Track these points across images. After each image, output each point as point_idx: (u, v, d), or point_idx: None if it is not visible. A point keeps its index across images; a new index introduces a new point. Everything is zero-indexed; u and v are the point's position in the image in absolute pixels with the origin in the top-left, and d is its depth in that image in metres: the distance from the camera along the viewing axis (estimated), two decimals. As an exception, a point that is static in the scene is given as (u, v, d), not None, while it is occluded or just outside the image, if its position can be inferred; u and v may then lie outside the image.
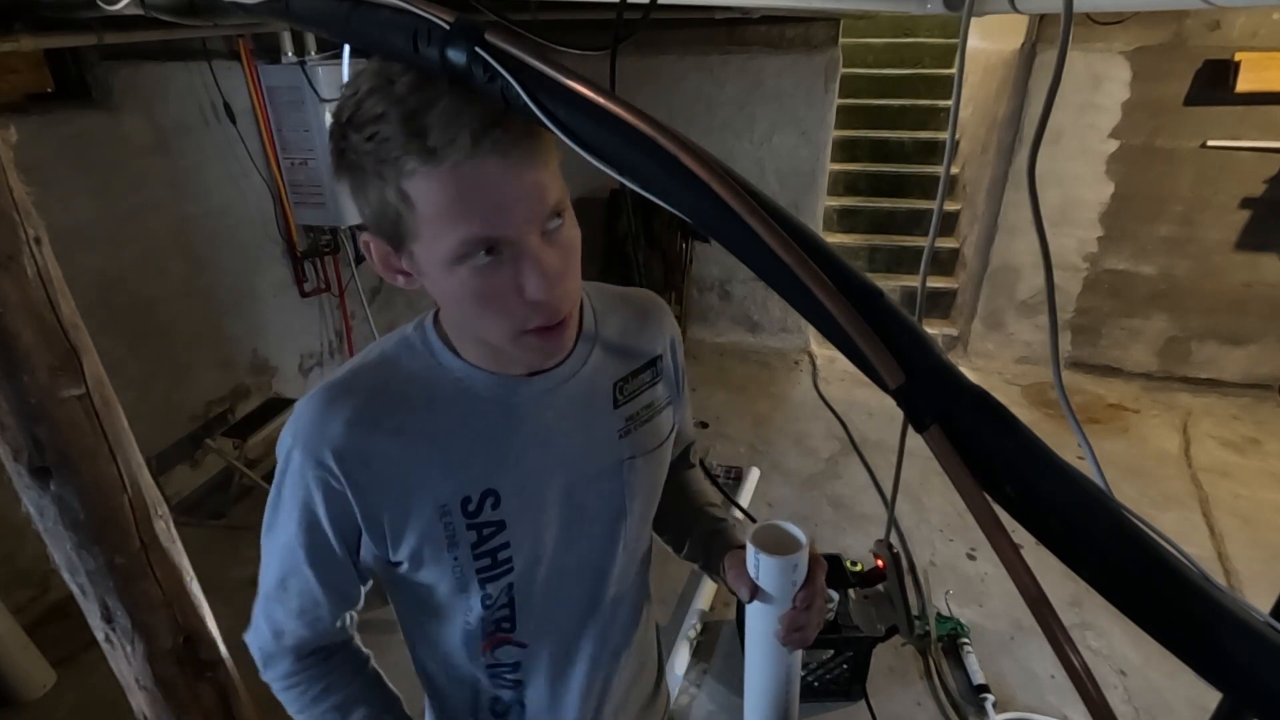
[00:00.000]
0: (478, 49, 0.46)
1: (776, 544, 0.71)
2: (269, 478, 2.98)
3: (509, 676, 0.76)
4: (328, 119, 2.92)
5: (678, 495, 0.89)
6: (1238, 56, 3.22)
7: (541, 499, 0.69)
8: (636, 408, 0.75)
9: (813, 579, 0.73)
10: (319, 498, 0.64)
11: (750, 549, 0.71)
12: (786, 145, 4.09)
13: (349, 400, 0.64)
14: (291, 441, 0.65)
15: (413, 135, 0.51)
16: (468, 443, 0.66)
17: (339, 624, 0.74)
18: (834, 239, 4.56)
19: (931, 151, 4.63)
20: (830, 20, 3.78)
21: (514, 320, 0.58)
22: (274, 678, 0.75)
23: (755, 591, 0.73)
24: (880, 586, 2.03)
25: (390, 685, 0.81)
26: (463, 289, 0.57)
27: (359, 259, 3.54)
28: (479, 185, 0.52)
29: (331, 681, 0.75)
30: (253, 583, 0.69)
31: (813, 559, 0.73)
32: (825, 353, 4.35)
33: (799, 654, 0.80)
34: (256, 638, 0.74)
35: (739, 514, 2.64)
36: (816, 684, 2.06)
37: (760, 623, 0.75)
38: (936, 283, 4.42)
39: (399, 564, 0.68)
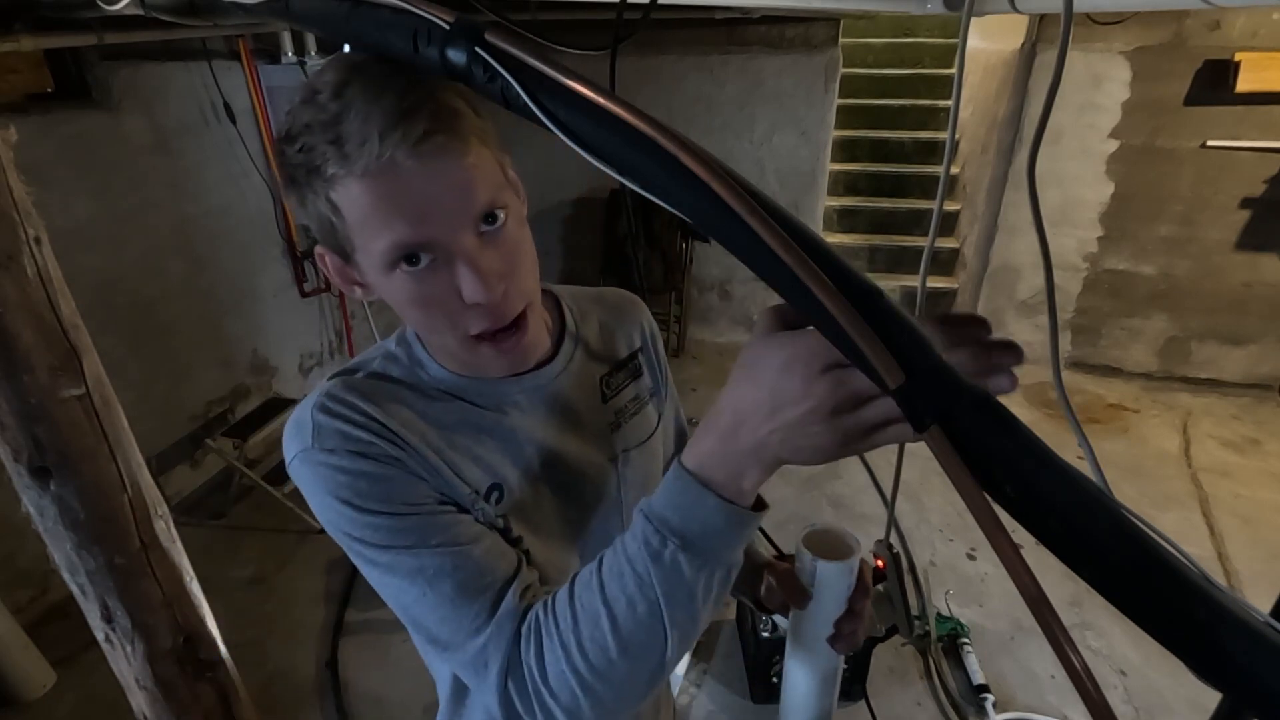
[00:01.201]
0: (478, 49, 0.46)
1: (827, 548, 0.69)
2: (269, 478, 2.97)
3: None
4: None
5: None
6: (1238, 56, 3.22)
7: (539, 497, 0.69)
8: (624, 401, 0.76)
9: (864, 580, 0.71)
10: (377, 469, 0.57)
11: (806, 555, 0.69)
12: (786, 145, 4.09)
13: (355, 395, 0.60)
14: (330, 450, 0.56)
15: (331, 143, 0.51)
16: (470, 441, 0.65)
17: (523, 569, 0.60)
18: (834, 239, 4.56)
19: (931, 151, 4.63)
20: (830, 20, 3.78)
21: (459, 325, 0.57)
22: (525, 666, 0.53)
23: (808, 598, 0.70)
24: (880, 586, 2.03)
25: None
26: (402, 295, 0.56)
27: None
28: (397, 188, 0.51)
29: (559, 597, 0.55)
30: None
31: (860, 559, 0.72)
32: (825, 353, 4.35)
33: (841, 656, 0.80)
34: (479, 664, 0.54)
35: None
36: (816, 684, 2.06)
37: (811, 628, 0.73)
38: (936, 283, 4.41)
39: None
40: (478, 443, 0.65)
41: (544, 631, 0.52)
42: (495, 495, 0.65)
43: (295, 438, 0.59)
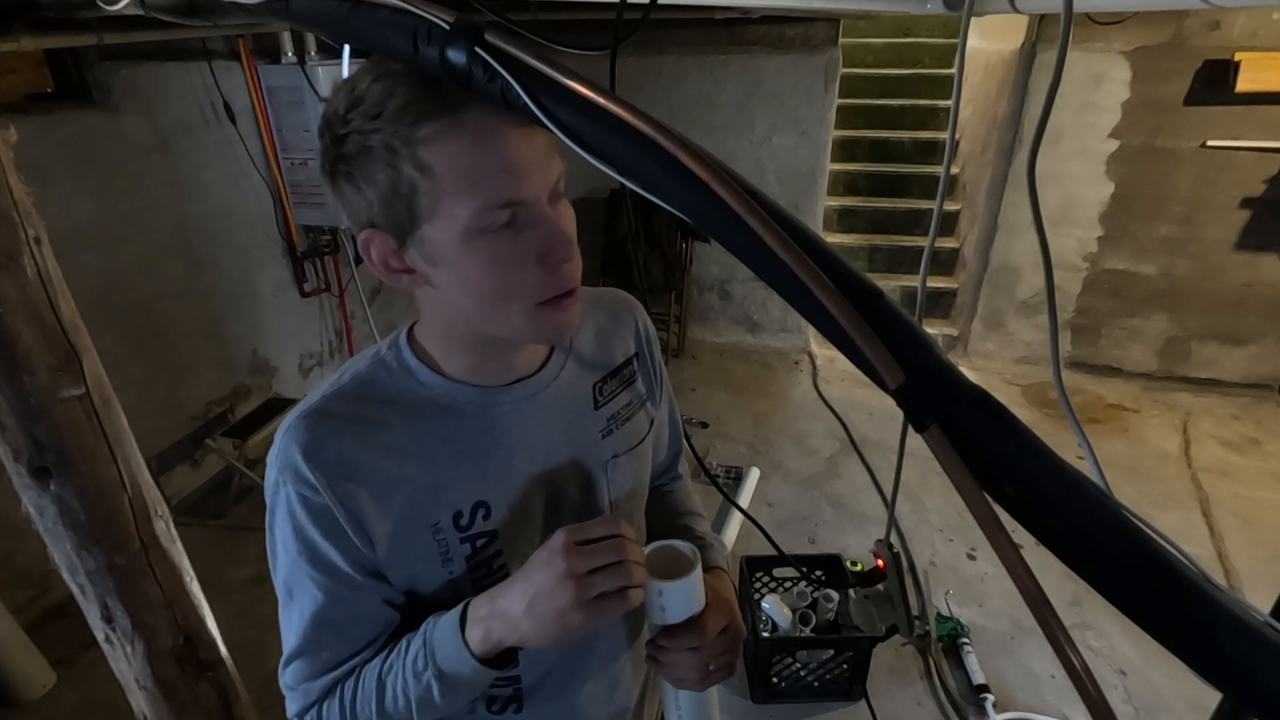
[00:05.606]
0: (478, 49, 0.46)
1: (666, 566, 0.65)
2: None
3: (506, 676, 0.76)
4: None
5: (661, 513, 0.89)
6: (1238, 56, 3.22)
7: (528, 505, 0.69)
8: (616, 407, 0.75)
9: (725, 599, 0.69)
10: (306, 518, 0.61)
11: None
12: (786, 145, 4.08)
13: (329, 422, 0.62)
14: (277, 474, 0.62)
15: (432, 99, 0.51)
16: (453, 461, 0.65)
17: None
18: (834, 239, 4.56)
19: (931, 151, 4.63)
20: (830, 20, 3.78)
21: (530, 292, 0.58)
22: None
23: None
24: (880, 586, 2.03)
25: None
26: (481, 264, 0.56)
27: (359, 259, 3.53)
28: (499, 144, 0.53)
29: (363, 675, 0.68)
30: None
31: (718, 597, 0.68)
32: (825, 353, 4.35)
33: (710, 698, 0.74)
34: (298, 700, 0.68)
35: (739, 515, 2.64)
36: (817, 684, 2.06)
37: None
38: (936, 283, 4.41)
39: (392, 580, 0.67)
40: (461, 462, 0.65)
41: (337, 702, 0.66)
42: (481, 512, 0.66)
43: (272, 459, 0.63)
